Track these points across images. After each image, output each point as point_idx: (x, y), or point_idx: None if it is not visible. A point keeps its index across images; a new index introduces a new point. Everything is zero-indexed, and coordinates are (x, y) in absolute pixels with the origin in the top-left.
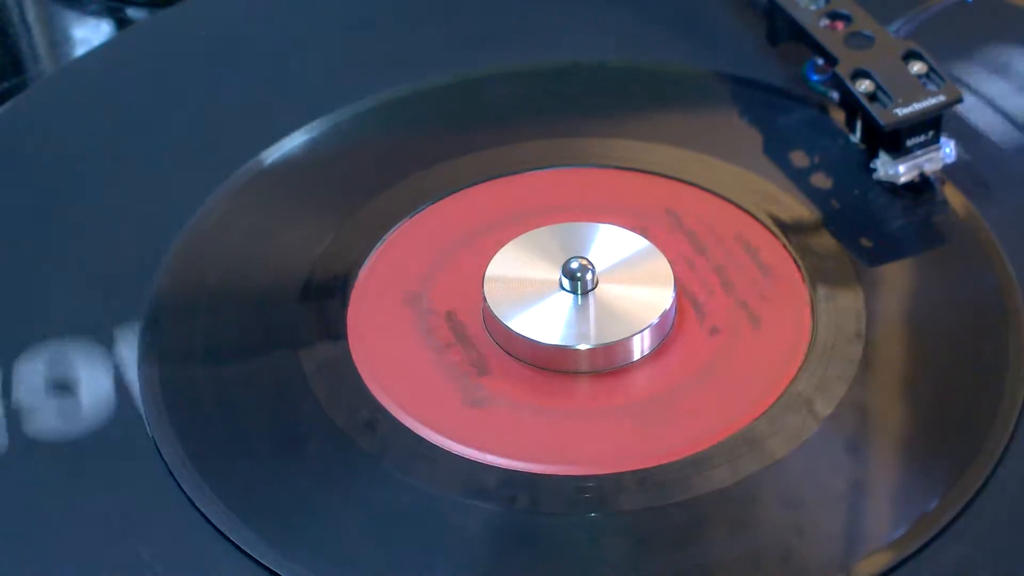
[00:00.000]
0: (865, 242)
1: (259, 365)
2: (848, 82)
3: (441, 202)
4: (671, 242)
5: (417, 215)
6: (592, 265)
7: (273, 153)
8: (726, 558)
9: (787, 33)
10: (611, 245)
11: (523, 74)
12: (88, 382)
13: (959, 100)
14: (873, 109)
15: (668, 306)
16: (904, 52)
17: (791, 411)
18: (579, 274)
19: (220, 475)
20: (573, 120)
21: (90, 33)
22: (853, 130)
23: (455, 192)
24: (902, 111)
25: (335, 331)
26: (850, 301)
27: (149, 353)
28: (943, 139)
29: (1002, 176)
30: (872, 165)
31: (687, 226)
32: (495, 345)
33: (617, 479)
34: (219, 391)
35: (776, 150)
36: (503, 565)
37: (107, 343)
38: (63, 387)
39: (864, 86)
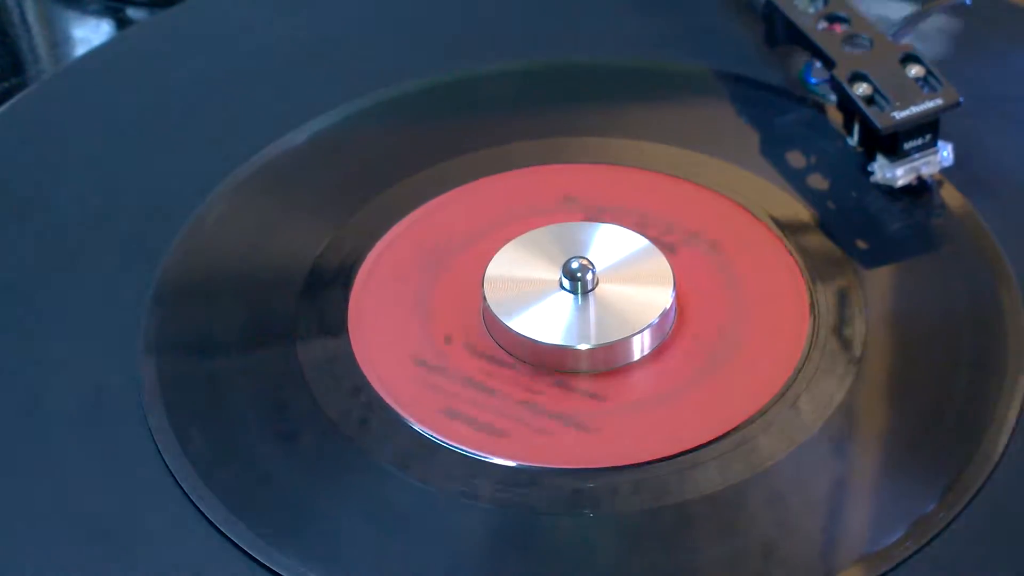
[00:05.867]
0: (863, 244)
1: (259, 361)
2: (845, 85)
3: (441, 201)
4: (671, 242)
5: (417, 214)
6: (592, 265)
7: (272, 152)
8: (723, 558)
9: (785, 35)
10: (611, 245)
11: (522, 73)
12: (88, 378)
13: (957, 103)
14: (870, 112)
15: (668, 306)
16: (902, 55)
17: (790, 411)
18: (579, 274)
19: (218, 470)
20: (572, 119)
21: (90, 33)
22: (851, 133)
23: (455, 191)
24: (899, 114)
25: (336, 328)
26: (848, 302)
27: (149, 349)
28: (940, 142)
29: (1000, 178)
30: (869, 168)
31: (686, 226)
32: (495, 344)
33: (616, 478)
34: (219, 386)
35: (774, 151)
36: (500, 563)
37: (107, 344)
38: (64, 382)
39: (861, 89)
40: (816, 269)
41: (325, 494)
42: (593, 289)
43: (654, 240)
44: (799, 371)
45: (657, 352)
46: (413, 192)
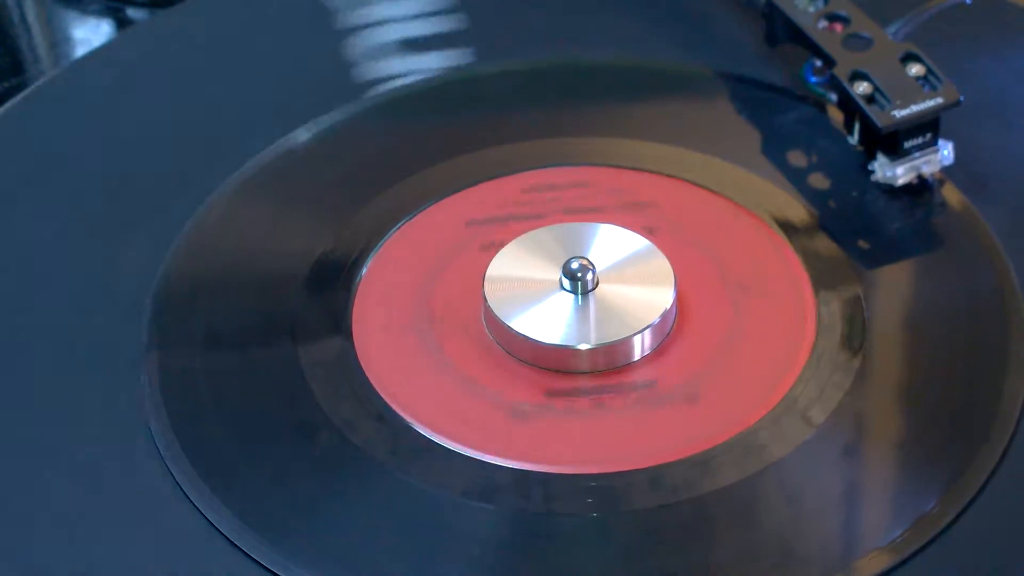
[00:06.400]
0: (864, 243)
1: (260, 361)
2: (846, 84)
3: (441, 202)
4: (671, 242)
5: (417, 215)
6: (592, 265)
7: (273, 152)
8: (726, 559)
9: (785, 34)
10: (611, 245)
11: (523, 73)
12: (89, 382)
13: (957, 102)
14: (870, 111)
15: (668, 306)
16: (902, 54)
17: (792, 410)
18: (579, 274)
19: (220, 473)
20: (572, 119)
21: (90, 33)
22: (851, 132)
23: (455, 192)
24: (900, 113)
25: (338, 330)
26: (850, 301)
27: (151, 352)
28: (941, 141)
29: (1001, 177)
30: (870, 167)
31: (686, 226)
32: (496, 345)
33: (617, 479)
34: (221, 388)
35: (775, 150)
36: (502, 565)
37: (107, 346)
38: (64, 384)
39: (862, 88)
40: (817, 268)
41: (328, 496)
42: (593, 289)
43: (654, 240)
44: (800, 372)
45: (658, 352)
46: (413, 193)
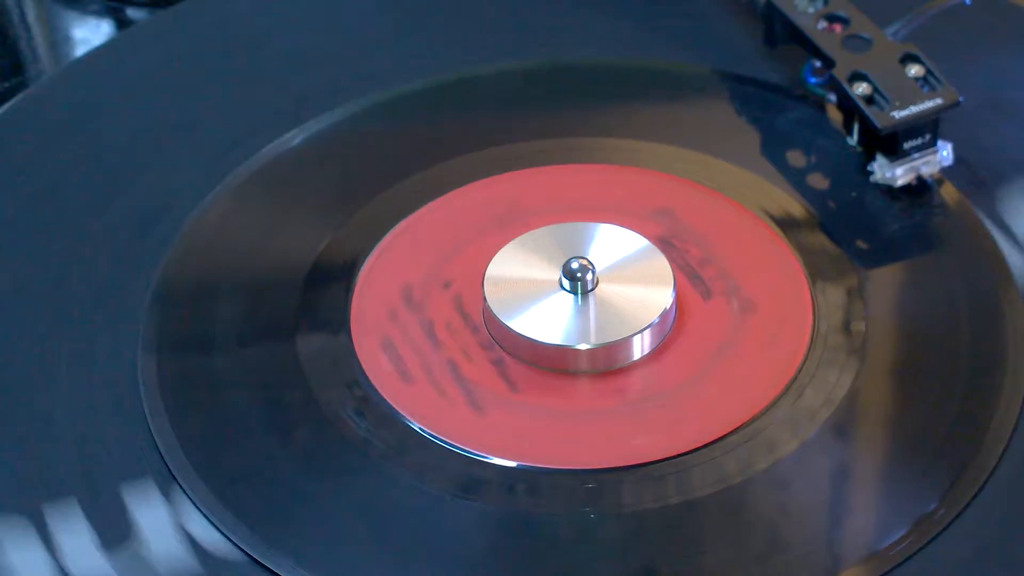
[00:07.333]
0: (863, 243)
1: (259, 361)
2: (845, 85)
3: (441, 202)
4: (671, 242)
5: (416, 215)
6: (592, 265)
7: (272, 152)
8: (724, 557)
9: (785, 35)
10: (611, 245)
11: (521, 73)
12: (87, 378)
13: (956, 103)
14: (870, 112)
15: (668, 306)
16: (902, 55)
17: (790, 411)
18: (579, 274)
19: (220, 472)
20: (572, 119)
21: (90, 33)
22: (850, 132)
23: (454, 191)
24: (899, 114)
25: (336, 329)
26: (849, 302)
27: (149, 348)
28: (940, 142)
29: (1000, 178)
30: (869, 168)
31: (686, 225)
32: (495, 345)
33: (616, 478)
34: (218, 386)
35: (774, 150)
36: (501, 564)
37: (107, 346)
38: (64, 382)
39: (861, 89)
40: (816, 269)
41: (325, 493)
42: (593, 289)
43: (654, 240)
44: (799, 372)
45: (658, 352)
46: (412, 193)
